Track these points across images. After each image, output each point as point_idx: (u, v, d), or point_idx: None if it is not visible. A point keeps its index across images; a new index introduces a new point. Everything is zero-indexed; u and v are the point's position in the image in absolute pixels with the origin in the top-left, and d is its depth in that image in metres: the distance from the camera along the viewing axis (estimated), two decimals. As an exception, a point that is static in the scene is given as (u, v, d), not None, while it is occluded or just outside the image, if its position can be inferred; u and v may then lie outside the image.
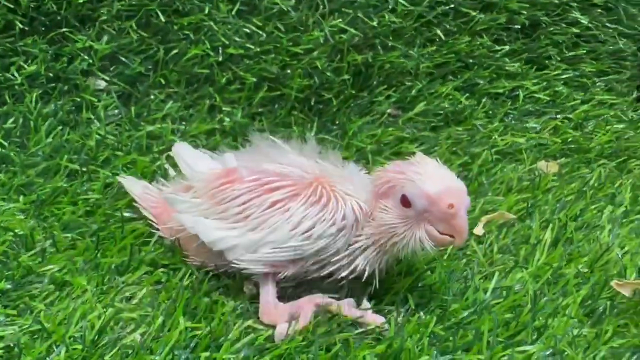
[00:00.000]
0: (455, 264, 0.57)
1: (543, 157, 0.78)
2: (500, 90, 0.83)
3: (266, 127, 0.73)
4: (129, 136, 0.69)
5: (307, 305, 0.47)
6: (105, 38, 0.69)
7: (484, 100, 0.83)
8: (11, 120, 0.66)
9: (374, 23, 0.76)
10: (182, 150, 0.58)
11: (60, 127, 0.67)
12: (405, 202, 0.47)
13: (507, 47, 0.84)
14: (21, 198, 0.60)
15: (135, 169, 0.66)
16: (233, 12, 0.71)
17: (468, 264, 0.57)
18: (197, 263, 0.53)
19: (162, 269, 0.54)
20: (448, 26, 0.81)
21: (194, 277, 0.52)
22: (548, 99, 0.84)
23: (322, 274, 0.49)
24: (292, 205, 0.48)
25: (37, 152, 0.65)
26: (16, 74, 0.67)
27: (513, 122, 0.83)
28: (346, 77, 0.76)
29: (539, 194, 0.70)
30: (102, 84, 0.70)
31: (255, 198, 0.49)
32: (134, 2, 0.69)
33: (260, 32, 0.73)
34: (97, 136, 0.67)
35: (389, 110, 0.78)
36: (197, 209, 0.52)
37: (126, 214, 0.60)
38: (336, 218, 0.48)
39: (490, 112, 0.83)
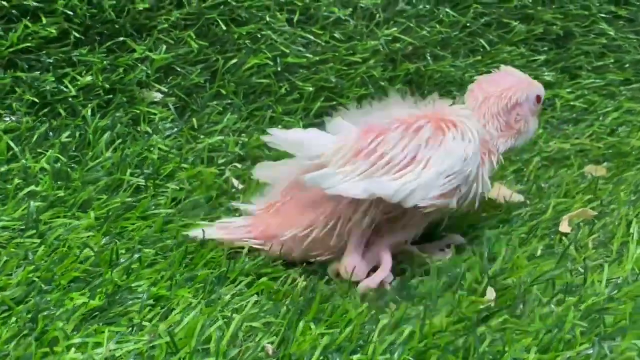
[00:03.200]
0: (550, 260, 0.55)
1: (588, 161, 0.78)
2: (540, 99, 0.83)
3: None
4: (190, 149, 0.64)
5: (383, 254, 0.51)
6: (163, 47, 0.64)
7: (524, 109, 0.82)
8: (66, 134, 0.60)
9: (425, 32, 0.75)
10: (283, 135, 0.54)
11: (119, 141, 0.61)
12: (539, 99, 0.58)
13: (542, 57, 0.84)
14: (91, 214, 0.54)
15: (201, 182, 0.61)
16: (293, 21, 0.68)
17: (561, 260, 0.55)
18: (327, 257, 0.52)
19: (263, 279, 0.49)
20: (491, 36, 0.80)
21: (304, 284, 0.48)
22: (584, 106, 0.84)
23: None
24: (440, 138, 0.52)
25: (96, 168, 0.60)
26: (70, 86, 0.61)
27: (554, 129, 0.82)
28: (399, 86, 0.74)
29: (601, 194, 0.69)
30: (159, 96, 0.65)
31: (410, 142, 0.51)
32: (192, 11, 0.65)
33: (318, 41, 0.69)
34: (159, 150, 0.62)
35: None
36: (355, 174, 0.50)
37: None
38: (474, 137, 0.53)
39: (532, 120, 0.82)
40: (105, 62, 0.62)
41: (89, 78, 0.62)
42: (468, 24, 0.78)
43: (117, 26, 0.63)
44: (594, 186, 0.71)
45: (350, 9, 0.70)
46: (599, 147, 0.80)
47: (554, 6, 0.83)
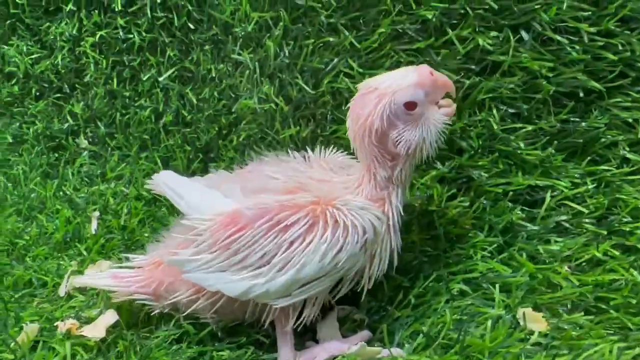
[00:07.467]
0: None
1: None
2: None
3: None
4: (88, 192, 0.72)
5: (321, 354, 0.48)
6: (80, 104, 0.74)
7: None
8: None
9: (317, 90, 0.61)
10: (174, 182, 0.53)
11: (38, 178, 0.74)
12: (409, 106, 0.47)
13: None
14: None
15: (64, 221, 0.68)
16: (175, 79, 0.67)
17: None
18: (223, 319, 0.51)
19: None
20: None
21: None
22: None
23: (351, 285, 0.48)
24: (310, 238, 0.46)
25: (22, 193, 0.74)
26: (30, 131, 0.77)
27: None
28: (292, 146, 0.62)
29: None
30: (85, 143, 0.75)
31: (272, 242, 0.46)
32: (100, 74, 0.73)
33: (193, 100, 0.66)
34: (60, 189, 0.72)
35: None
36: (211, 264, 0.47)
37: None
38: (358, 236, 0.46)
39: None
40: (49, 114, 0.76)
41: (39, 125, 0.76)
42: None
43: (53, 85, 0.76)
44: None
45: (222, 65, 0.64)
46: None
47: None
